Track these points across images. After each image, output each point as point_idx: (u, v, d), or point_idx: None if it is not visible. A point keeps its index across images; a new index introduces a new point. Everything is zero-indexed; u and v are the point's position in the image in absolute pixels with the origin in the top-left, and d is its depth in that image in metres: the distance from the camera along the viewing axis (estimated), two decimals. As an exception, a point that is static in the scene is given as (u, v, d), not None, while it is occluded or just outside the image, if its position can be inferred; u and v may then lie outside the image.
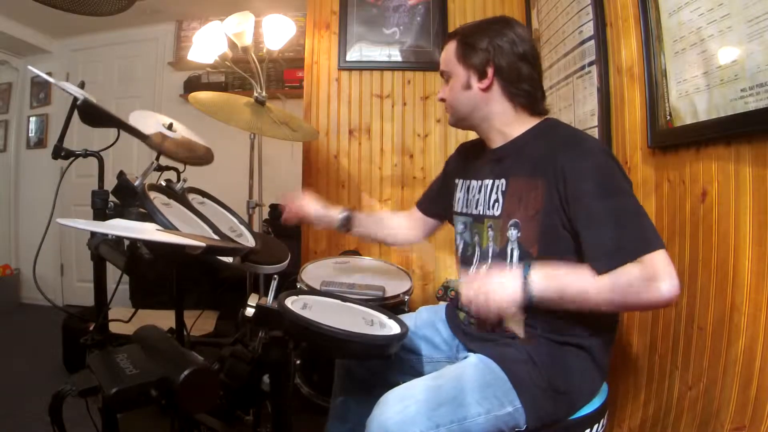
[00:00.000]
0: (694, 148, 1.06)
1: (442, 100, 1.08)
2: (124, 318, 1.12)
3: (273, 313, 0.88)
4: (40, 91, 3.55)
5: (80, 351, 1.81)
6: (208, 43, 1.85)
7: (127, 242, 0.88)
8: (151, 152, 1.17)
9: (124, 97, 3.39)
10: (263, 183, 2.05)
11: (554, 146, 0.93)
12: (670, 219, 1.16)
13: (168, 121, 1.30)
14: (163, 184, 1.09)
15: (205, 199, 1.22)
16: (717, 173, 0.99)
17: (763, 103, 0.83)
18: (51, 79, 1.03)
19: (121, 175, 0.96)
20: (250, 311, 0.87)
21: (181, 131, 1.34)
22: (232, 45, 1.86)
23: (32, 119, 3.57)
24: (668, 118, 1.13)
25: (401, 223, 1.34)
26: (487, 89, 1.00)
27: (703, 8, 0.98)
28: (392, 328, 0.98)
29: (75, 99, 0.98)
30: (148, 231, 0.76)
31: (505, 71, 0.98)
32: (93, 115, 1.02)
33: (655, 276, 0.77)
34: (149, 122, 1.23)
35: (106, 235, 0.93)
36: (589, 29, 1.49)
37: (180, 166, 1.27)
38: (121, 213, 0.99)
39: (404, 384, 0.88)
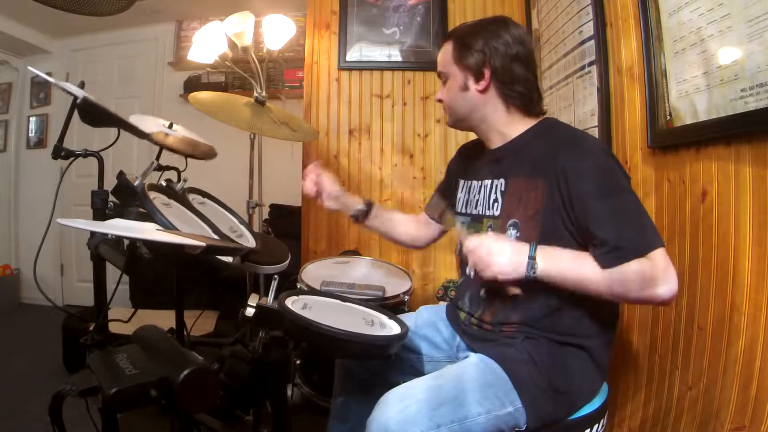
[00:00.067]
0: (694, 148, 1.06)
1: (440, 101, 1.08)
2: (124, 318, 1.12)
3: (273, 313, 0.88)
4: (40, 91, 3.55)
5: (80, 351, 1.81)
6: (208, 43, 1.85)
7: (127, 242, 0.88)
8: (151, 152, 1.17)
9: (124, 97, 3.39)
10: (263, 183, 2.05)
11: (554, 146, 0.93)
12: (670, 219, 1.16)
13: (167, 123, 1.30)
14: (163, 184, 1.09)
15: (205, 199, 1.22)
16: (717, 173, 0.99)
17: (763, 103, 0.83)
18: (51, 79, 1.03)
19: (121, 175, 0.96)
20: (250, 311, 0.87)
21: (182, 132, 1.34)
22: (232, 45, 1.86)
23: (32, 119, 3.57)
24: (668, 118, 1.13)
25: (410, 225, 1.35)
26: (484, 90, 1.00)
27: (703, 8, 0.98)
28: (392, 328, 0.98)
29: (75, 98, 0.98)
30: (148, 231, 0.76)
31: (499, 72, 0.98)
32: (93, 114, 1.02)
33: (654, 275, 0.78)
34: (148, 125, 1.23)
35: (106, 235, 0.93)
36: (589, 29, 1.49)
37: (181, 166, 1.27)
38: (121, 213, 0.99)
39: (404, 384, 0.88)
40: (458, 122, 1.08)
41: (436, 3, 2.30)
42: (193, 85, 3.19)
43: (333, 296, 1.13)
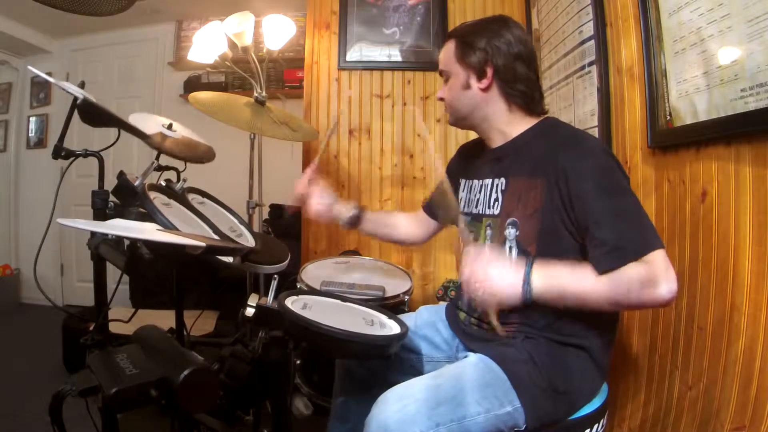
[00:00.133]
0: (694, 148, 1.06)
1: (441, 99, 1.08)
2: (124, 318, 1.12)
3: (273, 313, 0.88)
4: (40, 91, 3.55)
5: (80, 351, 1.81)
6: (208, 43, 1.85)
7: (127, 242, 0.88)
8: (152, 152, 1.17)
9: (124, 97, 3.39)
10: (263, 183, 2.05)
11: (555, 146, 0.93)
12: (670, 219, 1.16)
13: (167, 122, 1.30)
14: (163, 184, 1.09)
15: (205, 199, 1.22)
16: (717, 173, 0.99)
17: (763, 103, 0.83)
18: (51, 79, 1.03)
19: (121, 175, 0.96)
20: (250, 311, 0.87)
21: (181, 131, 1.34)
22: (232, 45, 1.86)
23: (32, 119, 3.57)
24: (668, 118, 1.13)
25: (406, 223, 1.35)
26: (486, 89, 1.00)
27: (703, 8, 0.98)
28: (392, 328, 0.98)
29: (75, 99, 0.98)
30: (148, 231, 0.76)
31: (502, 71, 0.98)
32: (93, 114, 1.02)
33: (654, 276, 0.78)
34: (149, 124, 1.23)
35: (106, 235, 0.93)
36: (589, 29, 1.49)
37: (180, 166, 1.27)
38: (121, 213, 0.99)
39: (403, 383, 0.88)
40: (459, 121, 1.08)
41: (436, 3, 2.29)
42: (193, 85, 3.19)
43: (333, 296, 1.13)
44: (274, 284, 0.91)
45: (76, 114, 1.01)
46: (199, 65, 2.44)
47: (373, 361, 1.09)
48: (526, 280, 0.83)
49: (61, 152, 1.01)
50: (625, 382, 1.31)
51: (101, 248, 0.95)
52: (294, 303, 0.94)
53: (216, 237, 1.00)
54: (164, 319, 1.28)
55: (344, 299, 1.12)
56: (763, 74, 0.83)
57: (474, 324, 1.03)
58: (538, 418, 0.87)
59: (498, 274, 0.84)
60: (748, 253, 0.90)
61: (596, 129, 1.46)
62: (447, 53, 1.05)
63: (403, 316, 1.07)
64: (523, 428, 0.87)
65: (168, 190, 1.06)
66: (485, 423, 0.83)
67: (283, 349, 0.89)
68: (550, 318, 0.91)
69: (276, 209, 2.90)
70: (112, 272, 0.97)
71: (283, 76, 3.12)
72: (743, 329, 0.90)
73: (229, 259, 0.94)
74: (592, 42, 1.47)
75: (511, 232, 0.96)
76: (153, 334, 0.81)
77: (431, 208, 1.31)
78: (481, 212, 1.05)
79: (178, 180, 1.15)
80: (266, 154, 2.10)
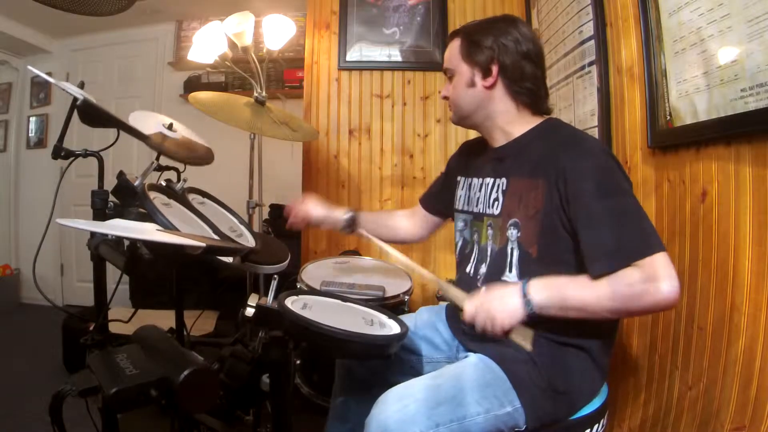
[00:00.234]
0: (694, 148, 1.06)
1: (446, 98, 1.08)
2: (124, 318, 1.12)
3: (273, 313, 0.88)
4: (40, 91, 3.55)
5: (80, 351, 1.81)
6: (208, 43, 1.85)
7: (127, 242, 0.88)
8: (151, 152, 1.17)
9: (124, 97, 3.39)
10: (263, 183, 2.05)
11: (555, 146, 0.93)
12: (670, 219, 1.16)
13: (168, 121, 1.30)
14: (163, 184, 1.09)
15: (205, 199, 1.22)
16: (717, 173, 0.99)
17: (763, 103, 0.83)
18: (51, 79, 1.03)
19: (121, 175, 0.96)
20: (250, 311, 0.87)
21: (181, 131, 1.34)
22: (232, 45, 1.86)
23: (32, 119, 3.57)
24: (668, 118, 1.13)
25: (404, 221, 1.35)
26: (491, 87, 1.00)
27: (703, 8, 0.98)
28: (392, 328, 0.98)
29: (75, 99, 0.98)
30: (148, 231, 0.76)
31: (509, 70, 0.98)
32: (93, 115, 1.02)
33: (655, 281, 0.76)
34: (149, 123, 1.23)
35: (106, 235, 0.93)
36: (589, 29, 1.49)
37: (180, 166, 1.27)
38: (121, 213, 0.99)
39: (403, 383, 0.88)
40: (463, 119, 1.08)
41: (436, 3, 2.30)
42: (193, 85, 3.20)
43: (333, 296, 1.13)
44: (274, 284, 0.91)
45: (76, 114, 1.00)
46: (199, 65, 2.44)
47: (373, 361, 1.09)
48: (525, 296, 0.85)
49: (60, 152, 1.01)
50: (625, 382, 1.31)
51: (101, 248, 0.95)
52: (294, 303, 0.94)
53: (216, 237, 1.00)
54: (164, 319, 1.28)
55: (344, 299, 1.12)
56: (763, 74, 0.83)
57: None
58: (538, 418, 0.87)
59: (498, 300, 0.87)
60: (748, 253, 0.90)
61: (596, 129, 1.46)
62: (452, 51, 1.04)
63: (403, 317, 1.07)
64: (523, 428, 0.87)
65: (168, 190, 1.06)
66: (485, 423, 0.83)
67: (283, 349, 0.89)
68: (551, 318, 0.91)
69: (276, 209, 2.90)
70: (112, 272, 0.97)
71: (283, 76, 3.13)
72: (743, 329, 0.90)
73: (229, 259, 0.94)
74: (592, 42, 1.47)
75: (513, 233, 0.96)
76: (153, 334, 0.81)
77: (428, 202, 1.30)
78: (481, 211, 1.05)
79: (178, 180, 1.15)
80: (266, 154, 2.10)
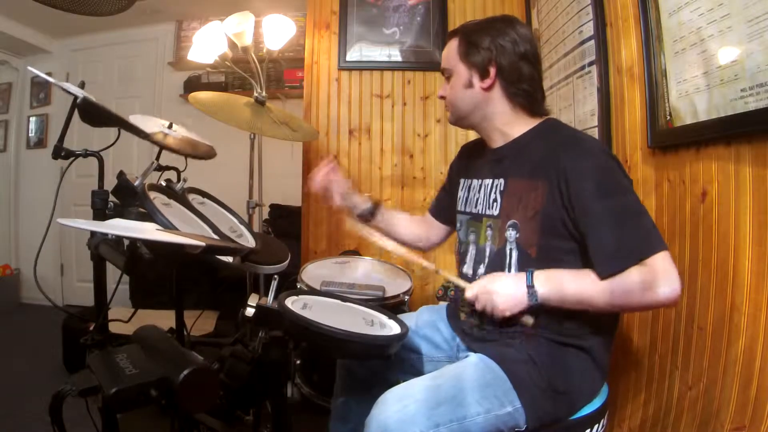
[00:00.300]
0: (694, 148, 1.06)
1: (443, 97, 1.08)
2: (124, 318, 1.12)
3: (273, 313, 0.88)
4: (40, 91, 3.55)
5: (80, 351, 1.81)
6: (208, 43, 1.85)
7: (127, 242, 0.88)
8: (152, 152, 1.17)
9: (124, 97, 3.39)
10: (263, 183, 2.05)
11: (555, 147, 0.93)
12: (670, 219, 1.16)
13: (167, 123, 1.30)
14: (163, 184, 1.09)
15: (205, 199, 1.22)
16: (717, 173, 0.99)
17: (763, 103, 0.83)
18: (51, 79, 1.03)
19: (121, 175, 0.96)
20: (250, 311, 0.87)
21: (181, 132, 1.34)
22: (232, 45, 1.86)
23: (32, 119, 3.57)
24: (668, 118, 1.13)
25: (415, 225, 1.34)
26: (488, 89, 1.00)
27: (703, 8, 0.98)
28: (392, 328, 0.98)
29: (75, 98, 0.98)
30: (148, 231, 0.76)
31: (506, 71, 0.98)
32: (93, 114, 1.02)
33: (656, 279, 0.78)
34: (148, 125, 1.23)
35: (106, 235, 0.93)
36: (589, 29, 1.49)
37: (180, 166, 1.27)
38: (121, 213, 0.99)
39: (403, 383, 0.88)
40: (460, 120, 1.08)
41: (436, 3, 2.30)
42: (193, 85, 3.19)
43: (333, 296, 1.13)
44: (274, 284, 0.91)
45: (76, 114, 1.00)
46: (199, 65, 2.44)
47: (374, 361, 1.09)
48: (530, 285, 0.87)
49: (61, 152, 1.01)
50: (625, 382, 1.31)
51: (101, 248, 0.95)
52: (294, 303, 0.94)
53: (216, 237, 1.00)
54: (164, 319, 1.28)
55: (344, 299, 1.12)
56: (763, 74, 0.83)
57: (475, 324, 1.03)
58: (538, 418, 0.87)
59: (503, 287, 0.89)
60: (748, 253, 0.90)
61: (596, 129, 1.46)
62: (450, 51, 1.04)
63: (403, 316, 1.07)
64: (523, 428, 0.87)
65: (168, 190, 1.06)
66: (485, 423, 0.83)
67: (283, 349, 0.89)
68: (550, 318, 0.91)
69: (276, 209, 2.90)
70: (112, 272, 0.96)
71: (283, 76, 3.12)
72: (743, 329, 0.90)
73: (229, 259, 0.94)
74: (592, 42, 1.47)
75: (511, 234, 0.96)
76: (153, 334, 0.81)
77: (437, 211, 1.30)
78: (481, 212, 1.05)
79: (179, 180, 1.15)
80: (266, 154, 2.10)
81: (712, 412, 0.97)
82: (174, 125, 1.30)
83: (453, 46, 1.04)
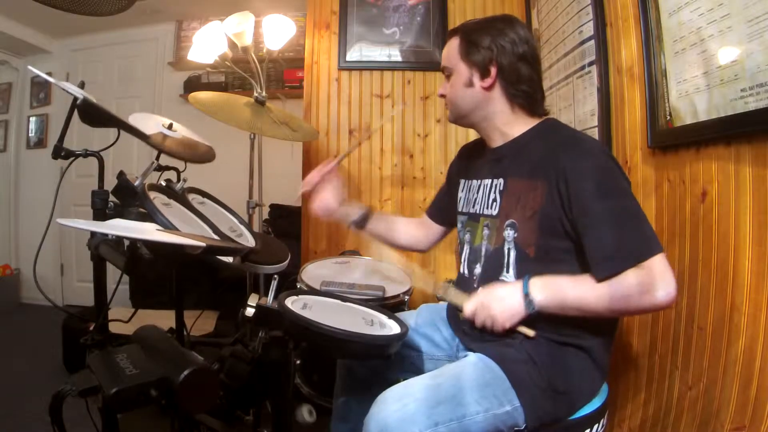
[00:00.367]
0: (694, 148, 1.06)
1: (443, 96, 1.08)
2: (124, 318, 1.12)
3: (273, 313, 0.88)
4: (40, 91, 3.55)
5: (80, 351, 1.81)
6: (208, 43, 1.85)
7: (127, 242, 0.88)
8: (151, 152, 1.17)
9: (124, 97, 3.39)
10: (263, 183, 2.05)
11: (555, 147, 0.93)
12: (670, 219, 1.16)
13: (167, 122, 1.30)
14: (163, 184, 1.09)
15: (205, 199, 1.22)
16: (717, 173, 0.99)
17: (763, 103, 0.83)
18: (51, 79, 1.03)
19: (121, 175, 0.96)
20: (250, 311, 0.87)
21: (182, 131, 1.34)
22: (232, 45, 1.86)
23: (32, 119, 3.57)
24: (668, 118, 1.13)
25: (412, 228, 1.34)
26: (489, 88, 1.00)
27: (703, 8, 0.98)
28: (392, 328, 0.98)
29: (75, 99, 0.98)
30: (148, 231, 0.76)
31: (506, 71, 0.98)
32: (93, 114, 1.02)
33: (653, 282, 0.78)
34: (149, 123, 1.23)
35: (106, 235, 0.93)
36: (589, 29, 1.49)
37: (180, 166, 1.27)
38: (121, 213, 0.99)
39: (402, 382, 0.88)
40: (460, 118, 1.08)
41: (436, 3, 2.30)
42: (193, 85, 3.20)
43: (333, 296, 1.13)
44: (274, 284, 0.91)
45: (76, 114, 1.01)
46: (199, 65, 2.44)
47: (374, 361, 1.09)
48: (526, 294, 0.87)
49: (61, 152, 1.01)
50: (625, 382, 1.31)
51: (101, 248, 0.95)
52: (294, 303, 0.94)
53: (216, 237, 1.00)
54: (164, 319, 1.28)
55: (344, 299, 1.12)
56: (763, 74, 0.83)
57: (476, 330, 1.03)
58: (537, 417, 0.87)
59: (499, 299, 0.90)
60: (748, 253, 0.90)
61: (596, 129, 1.46)
62: (451, 50, 1.04)
63: (403, 314, 1.07)
64: (522, 428, 0.87)
65: (168, 190, 1.06)
66: (484, 422, 0.83)
67: (283, 349, 0.89)
68: (550, 318, 0.91)
69: (276, 209, 2.90)
70: (112, 272, 0.97)
71: (283, 76, 3.13)
72: (743, 329, 0.90)
73: (229, 259, 0.94)
74: (592, 42, 1.47)
75: (509, 233, 0.96)
76: (153, 334, 0.81)
77: (434, 212, 1.30)
78: (478, 212, 1.05)
79: (178, 180, 1.15)
80: (266, 154, 2.10)
81: (712, 412, 0.97)
82: (174, 125, 1.30)
83: (454, 44, 1.04)
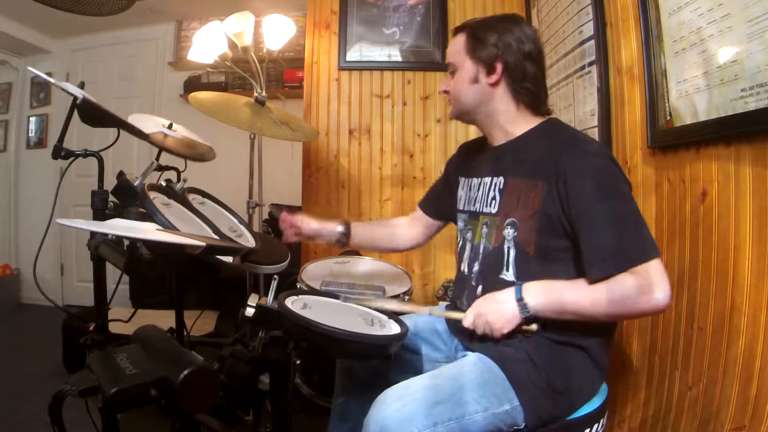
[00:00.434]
0: (694, 148, 1.06)
1: (446, 92, 1.08)
2: (124, 318, 1.12)
3: (273, 313, 0.88)
4: (40, 91, 3.55)
5: (80, 351, 1.81)
6: (208, 43, 1.85)
7: (127, 242, 0.88)
8: (151, 152, 1.18)
9: (124, 97, 3.39)
10: (263, 183, 2.05)
11: (556, 147, 0.93)
12: (670, 219, 1.16)
13: (167, 122, 1.30)
14: (163, 184, 1.09)
15: (205, 199, 1.22)
16: (717, 173, 0.99)
17: (763, 103, 0.83)
18: (51, 79, 1.03)
19: (121, 175, 0.96)
20: (250, 311, 0.87)
21: (181, 131, 1.34)
22: (232, 45, 1.86)
23: (32, 119, 3.57)
24: (668, 118, 1.13)
25: (401, 227, 1.34)
26: (494, 85, 1.00)
27: (703, 8, 0.98)
28: (392, 328, 0.98)
29: (75, 99, 0.98)
30: (148, 231, 0.76)
31: (511, 69, 0.98)
32: (93, 114, 1.02)
33: (650, 287, 0.78)
34: (148, 124, 1.23)
35: (106, 235, 0.93)
36: (589, 29, 1.49)
37: (180, 166, 1.27)
38: (121, 213, 0.99)
39: (402, 383, 0.88)
40: (463, 114, 1.07)
41: (436, 3, 2.30)
42: (193, 85, 3.20)
43: (333, 296, 1.13)
44: (274, 284, 0.91)
45: (76, 114, 1.01)
46: (199, 65, 2.44)
47: (374, 360, 1.09)
48: (519, 299, 0.88)
49: (60, 152, 1.01)
50: (625, 382, 1.31)
51: (101, 248, 0.95)
52: (294, 303, 0.94)
53: (216, 237, 1.00)
54: (164, 319, 1.28)
55: (345, 299, 1.12)
56: (763, 74, 0.83)
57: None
58: (537, 416, 0.87)
59: (494, 307, 0.91)
60: (748, 253, 0.90)
61: (596, 129, 1.46)
62: (457, 45, 1.04)
63: (403, 316, 1.07)
64: (522, 427, 0.87)
65: (168, 190, 1.06)
66: (484, 422, 0.83)
67: (283, 349, 0.89)
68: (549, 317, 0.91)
69: (276, 209, 2.89)
70: (112, 272, 0.97)
71: (283, 76, 3.13)
72: (743, 329, 0.90)
73: (229, 259, 0.94)
74: (592, 42, 1.47)
75: (509, 232, 0.96)
76: (153, 334, 0.81)
77: (429, 206, 1.30)
78: (478, 210, 1.05)
79: (178, 180, 1.15)
80: (266, 154, 2.10)
81: (712, 412, 0.97)
82: (174, 125, 1.30)
83: (460, 41, 1.04)
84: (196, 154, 1.29)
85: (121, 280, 0.94)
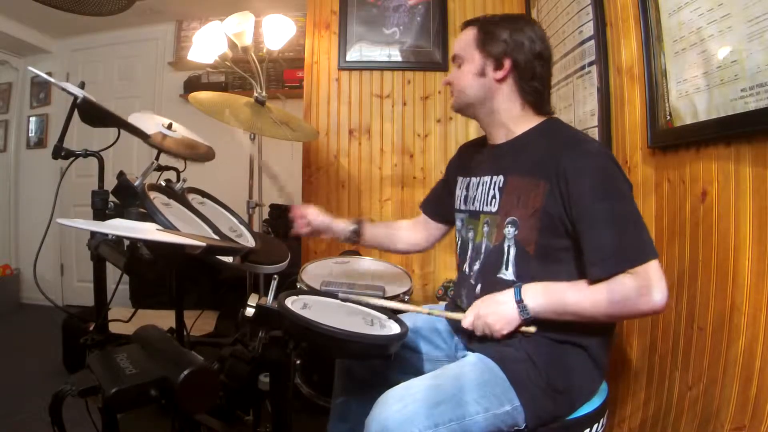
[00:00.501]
0: (694, 148, 1.06)
1: (449, 83, 1.08)
2: (124, 318, 1.12)
3: (273, 313, 0.88)
4: (40, 91, 3.55)
5: (80, 351, 1.81)
6: (208, 43, 1.85)
7: (127, 242, 0.88)
8: (151, 152, 1.18)
9: (124, 97, 3.39)
10: (263, 183, 2.05)
11: (557, 147, 0.93)
12: (670, 219, 1.16)
13: (167, 121, 1.30)
14: (163, 184, 1.09)
15: (205, 199, 1.22)
16: (717, 173, 0.99)
17: (763, 103, 0.83)
18: (51, 79, 1.03)
19: (121, 175, 0.96)
20: (250, 311, 0.87)
21: (181, 131, 1.34)
22: (232, 45, 1.86)
23: (32, 119, 3.57)
24: (668, 118, 1.13)
25: (407, 231, 1.34)
26: (501, 81, 1.00)
27: (703, 8, 0.98)
28: (392, 328, 0.98)
29: (75, 98, 0.98)
30: (148, 231, 0.76)
31: (521, 67, 0.98)
32: (93, 114, 1.02)
33: (649, 288, 0.79)
34: (148, 123, 1.23)
35: (106, 235, 0.93)
36: (589, 29, 1.49)
37: (180, 166, 1.27)
38: (121, 213, 0.99)
39: (403, 383, 0.88)
40: (466, 107, 1.07)
41: (436, 3, 2.30)
42: (193, 85, 3.20)
43: (333, 296, 1.13)
44: (274, 284, 0.91)
45: (76, 114, 1.01)
46: (199, 65, 2.44)
47: (374, 360, 1.09)
48: (519, 300, 0.88)
49: (61, 152, 1.01)
50: (625, 382, 1.31)
51: (101, 248, 0.95)
52: (294, 303, 0.94)
53: (216, 237, 1.00)
54: (164, 319, 1.28)
55: (346, 299, 1.12)
56: (763, 74, 0.83)
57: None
58: (537, 416, 0.87)
59: (493, 309, 0.91)
60: (748, 253, 0.90)
61: (596, 129, 1.46)
62: (466, 38, 1.04)
63: (403, 316, 1.07)
64: (522, 427, 0.87)
65: (168, 190, 1.06)
66: (485, 422, 0.83)
67: (283, 349, 0.89)
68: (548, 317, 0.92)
69: (276, 209, 2.90)
70: (112, 272, 0.97)
71: (283, 76, 3.13)
72: (743, 329, 0.90)
73: (229, 259, 0.94)
74: (592, 42, 1.47)
75: (510, 231, 0.96)
76: (153, 334, 0.81)
77: (433, 211, 1.30)
78: (478, 209, 1.05)
79: (178, 180, 1.15)
80: (266, 154, 2.10)
81: (712, 412, 0.97)
82: (174, 125, 1.30)
83: (470, 34, 1.04)
84: (196, 154, 1.29)
85: (121, 280, 0.94)
